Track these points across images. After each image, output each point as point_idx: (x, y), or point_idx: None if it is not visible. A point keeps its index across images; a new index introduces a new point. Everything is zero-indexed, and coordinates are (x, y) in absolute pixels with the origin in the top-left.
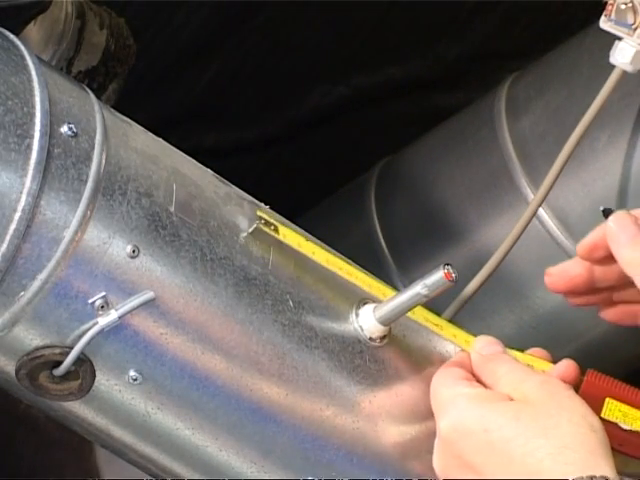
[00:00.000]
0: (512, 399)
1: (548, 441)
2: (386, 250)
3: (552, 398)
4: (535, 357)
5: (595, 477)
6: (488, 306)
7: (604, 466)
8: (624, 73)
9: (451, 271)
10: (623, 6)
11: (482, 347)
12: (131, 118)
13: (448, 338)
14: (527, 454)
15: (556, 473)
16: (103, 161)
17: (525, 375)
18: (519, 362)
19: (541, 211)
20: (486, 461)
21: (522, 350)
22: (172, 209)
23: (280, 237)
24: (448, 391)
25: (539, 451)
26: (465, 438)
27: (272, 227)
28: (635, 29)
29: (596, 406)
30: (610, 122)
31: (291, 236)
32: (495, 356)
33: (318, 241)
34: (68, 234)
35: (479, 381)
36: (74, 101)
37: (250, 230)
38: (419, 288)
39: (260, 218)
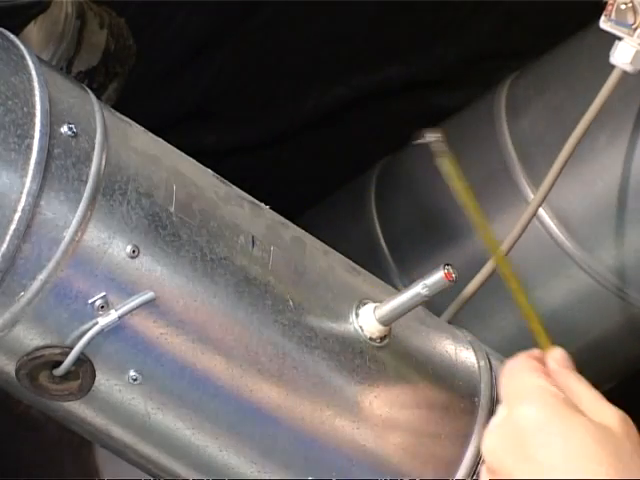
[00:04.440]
0: None
1: (617, 473)
2: (386, 250)
3: (630, 438)
4: None
5: None
6: (488, 306)
7: None
8: (624, 73)
9: (451, 271)
10: (623, 6)
11: (559, 359)
12: (131, 118)
13: (534, 331)
14: (596, 476)
15: None
16: (103, 161)
17: (605, 404)
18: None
19: (541, 211)
20: (550, 462)
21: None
22: (172, 209)
23: None
24: (531, 380)
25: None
26: (540, 432)
27: None
28: (635, 29)
29: None
30: (610, 122)
31: None
32: (573, 374)
33: None
34: (68, 234)
35: None
36: (74, 101)
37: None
38: (419, 288)
39: None
